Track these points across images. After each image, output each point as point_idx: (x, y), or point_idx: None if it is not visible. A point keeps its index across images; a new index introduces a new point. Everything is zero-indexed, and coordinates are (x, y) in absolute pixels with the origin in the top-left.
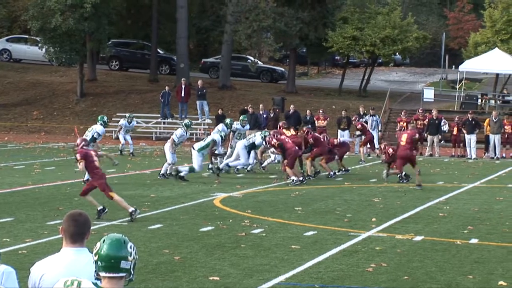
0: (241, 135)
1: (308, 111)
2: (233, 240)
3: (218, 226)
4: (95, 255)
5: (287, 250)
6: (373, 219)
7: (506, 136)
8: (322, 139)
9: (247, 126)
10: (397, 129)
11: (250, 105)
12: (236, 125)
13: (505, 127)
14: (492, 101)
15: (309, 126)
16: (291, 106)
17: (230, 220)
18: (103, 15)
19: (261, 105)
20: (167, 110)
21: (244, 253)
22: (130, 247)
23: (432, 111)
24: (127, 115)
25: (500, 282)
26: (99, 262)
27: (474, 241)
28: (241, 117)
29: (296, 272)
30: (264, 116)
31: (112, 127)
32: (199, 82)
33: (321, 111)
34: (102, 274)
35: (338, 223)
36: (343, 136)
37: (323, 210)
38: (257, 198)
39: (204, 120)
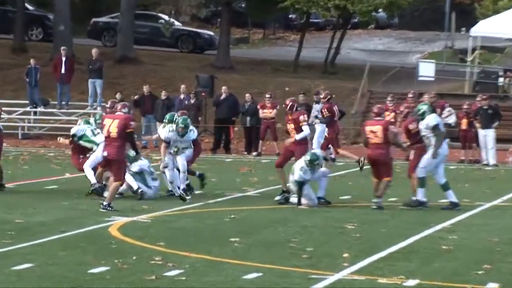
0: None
1: (247, 95)
2: (138, 286)
3: (115, 266)
4: None
5: None
6: (346, 255)
7: None
8: None
9: None
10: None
11: (147, 86)
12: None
13: None
14: None
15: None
16: (224, 88)
17: (134, 257)
18: None
19: (182, 86)
20: (36, 95)
21: None
22: None
23: (425, 95)
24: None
25: None
26: None
27: (492, 286)
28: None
29: None
30: (185, 102)
31: None
32: (94, 51)
33: (267, 96)
34: None
35: (293, 260)
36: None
37: (271, 241)
38: (174, 223)
39: (95, 108)
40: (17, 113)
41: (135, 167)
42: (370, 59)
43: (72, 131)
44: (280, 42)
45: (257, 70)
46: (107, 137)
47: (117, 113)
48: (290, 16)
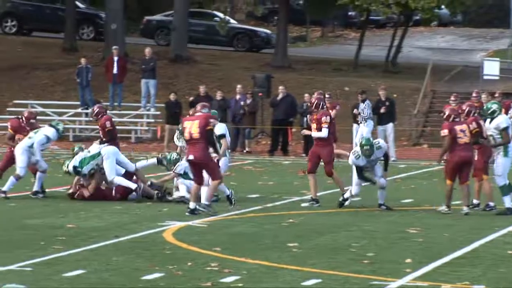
0: None
1: (306, 95)
2: None
3: (170, 272)
4: None
5: None
6: (408, 260)
7: None
8: None
9: None
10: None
11: (204, 86)
12: None
13: None
14: None
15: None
16: (281, 88)
17: (189, 263)
18: None
19: (238, 87)
20: (87, 95)
21: None
22: None
23: (482, 95)
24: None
25: None
26: None
27: None
28: None
29: None
30: (241, 103)
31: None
32: (147, 50)
33: (327, 96)
34: None
35: (354, 266)
36: (363, 133)
37: (331, 246)
38: (231, 228)
39: (149, 109)
40: (67, 114)
41: (179, 168)
42: (433, 58)
43: (71, 168)
44: (339, 40)
45: (316, 69)
46: (189, 140)
47: (196, 114)
48: (349, 13)
